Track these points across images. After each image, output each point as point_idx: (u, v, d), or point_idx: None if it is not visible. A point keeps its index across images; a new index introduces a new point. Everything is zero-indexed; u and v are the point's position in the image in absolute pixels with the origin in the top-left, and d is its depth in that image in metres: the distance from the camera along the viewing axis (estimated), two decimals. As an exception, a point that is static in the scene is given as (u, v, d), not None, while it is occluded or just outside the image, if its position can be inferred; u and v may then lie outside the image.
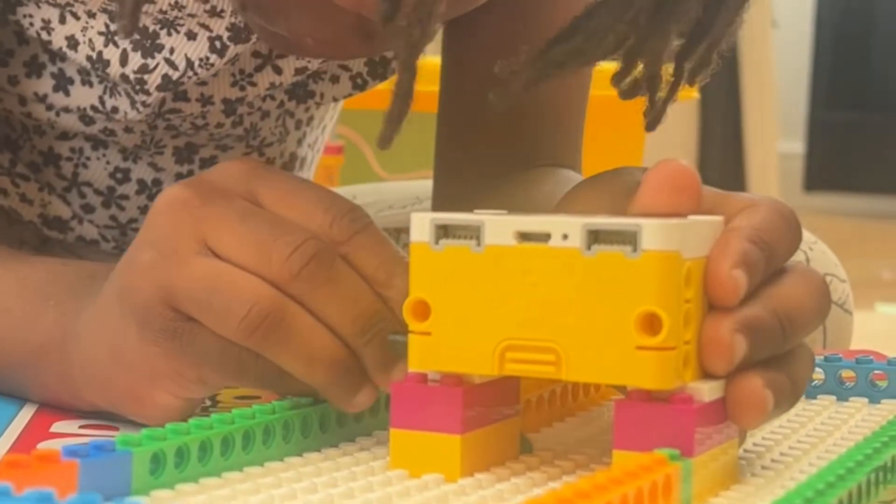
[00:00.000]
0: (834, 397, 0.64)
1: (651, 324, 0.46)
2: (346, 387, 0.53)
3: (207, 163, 0.84)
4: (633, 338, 0.46)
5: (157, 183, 0.84)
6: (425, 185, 0.97)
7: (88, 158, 0.83)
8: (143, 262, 0.55)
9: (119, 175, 0.83)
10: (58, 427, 0.60)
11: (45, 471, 0.41)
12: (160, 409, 0.56)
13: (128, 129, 0.80)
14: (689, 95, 1.39)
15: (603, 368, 0.47)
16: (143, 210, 0.85)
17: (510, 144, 0.87)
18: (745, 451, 0.53)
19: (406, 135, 1.05)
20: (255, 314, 0.52)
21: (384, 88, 0.86)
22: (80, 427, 0.60)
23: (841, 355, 0.65)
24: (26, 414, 0.62)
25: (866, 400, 0.64)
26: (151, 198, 0.84)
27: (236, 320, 0.52)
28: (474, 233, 0.48)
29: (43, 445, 0.57)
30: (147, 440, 0.45)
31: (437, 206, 0.90)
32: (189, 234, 0.54)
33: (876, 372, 0.64)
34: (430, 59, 0.92)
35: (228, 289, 0.53)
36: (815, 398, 0.64)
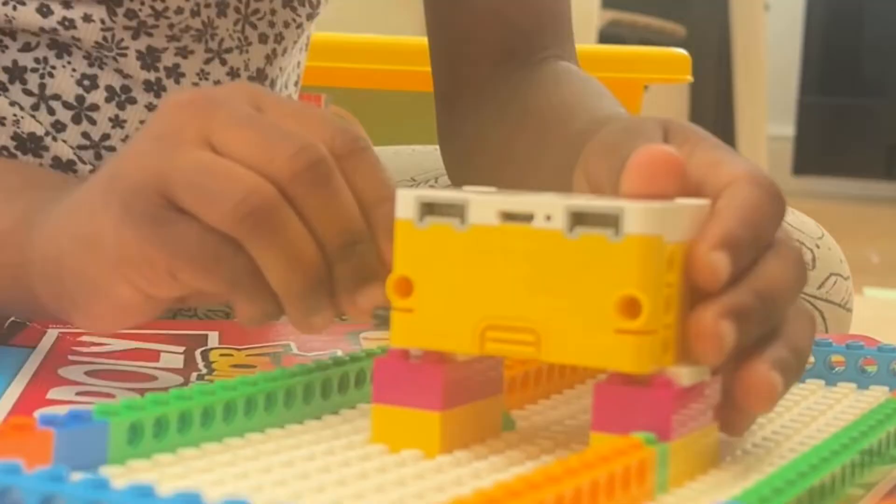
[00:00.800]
0: (822, 381, 0.64)
1: (631, 307, 0.46)
2: (312, 303, 0.54)
3: (172, 72, 0.83)
4: (612, 321, 0.46)
5: (126, 90, 0.83)
6: (424, 158, 0.95)
7: (54, 67, 0.82)
8: (141, 149, 0.55)
9: (86, 82, 0.83)
10: (54, 394, 0.60)
11: (19, 440, 0.41)
12: (117, 307, 0.56)
13: (86, 18, 0.79)
14: (682, 78, 1.38)
15: (582, 351, 0.47)
16: (115, 122, 0.84)
17: (505, 45, 0.87)
18: (724, 436, 0.53)
19: (399, 113, 1.04)
20: (250, 202, 0.53)
21: (377, 69, 0.86)
22: (77, 394, 0.60)
23: (831, 340, 0.65)
24: (21, 381, 0.62)
25: (854, 385, 0.64)
26: (121, 106, 0.84)
27: (229, 204, 0.53)
28: (459, 211, 0.49)
29: (41, 412, 0.57)
30: (125, 410, 0.45)
31: (443, 125, 0.89)
32: (193, 129, 0.55)
33: (866, 358, 0.64)
34: (422, 40, 0.92)
35: (226, 175, 0.53)
36: (803, 382, 0.64)
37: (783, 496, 0.42)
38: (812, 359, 0.64)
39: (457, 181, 0.92)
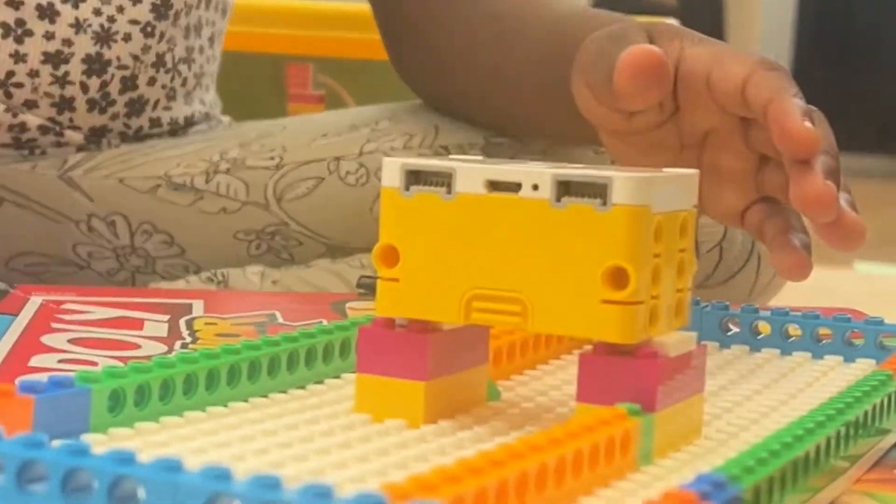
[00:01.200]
0: (809, 354, 0.64)
1: (618, 278, 0.46)
2: None
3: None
4: (599, 291, 0.46)
5: (21, 23, 0.84)
6: (360, 112, 0.97)
7: None
8: None
9: None
10: (36, 361, 0.60)
11: (-1, 406, 0.41)
12: None
13: None
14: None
15: (569, 321, 0.47)
16: (16, 57, 0.85)
17: None
18: (712, 406, 0.53)
19: (387, 82, 1.04)
20: None
21: (364, 38, 0.86)
22: (60, 362, 0.60)
23: (818, 313, 0.65)
24: (3, 348, 0.62)
25: (841, 358, 0.63)
26: (19, 40, 0.85)
27: None
28: (445, 180, 0.48)
29: (21, 379, 0.57)
30: (107, 377, 0.45)
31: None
32: None
33: (853, 331, 0.64)
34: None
35: None
36: (790, 354, 0.64)
37: (767, 467, 0.42)
38: (799, 331, 0.64)
39: (423, 96, 0.94)
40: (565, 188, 0.47)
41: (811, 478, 0.45)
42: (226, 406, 0.49)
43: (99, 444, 0.43)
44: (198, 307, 0.72)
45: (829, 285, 0.89)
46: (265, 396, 0.51)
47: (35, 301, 0.71)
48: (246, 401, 0.50)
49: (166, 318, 0.69)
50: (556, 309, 0.47)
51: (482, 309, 0.48)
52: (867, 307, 0.74)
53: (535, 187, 0.47)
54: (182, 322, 0.69)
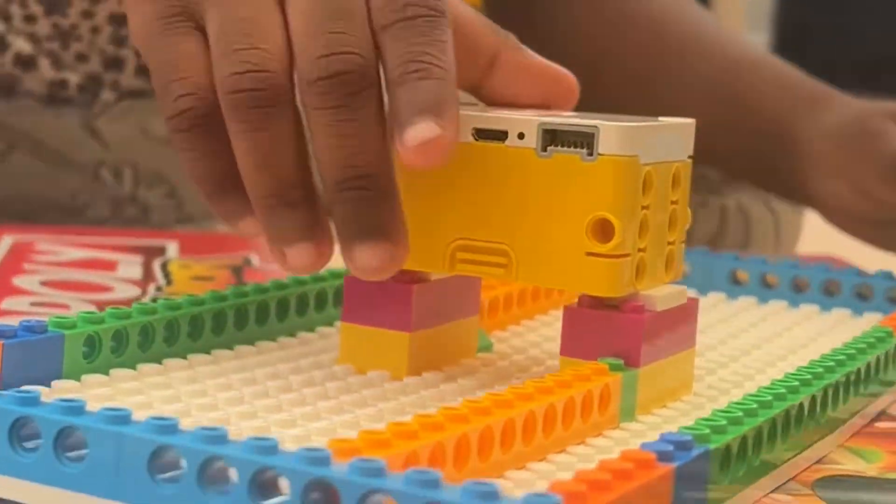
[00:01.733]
0: (786, 303, 0.63)
1: (604, 230, 0.45)
2: (227, 215, 0.46)
3: None
4: (584, 244, 0.45)
5: None
6: None
7: None
8: None
9: None
10: (8, 304, 0.59)
11: (-36, 352, 0.41)
12: None
13: None
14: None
15: (554, 273, 0.46)
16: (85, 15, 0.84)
17: None
18: (707, 360, 0.52)
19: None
20: (183, 105, 0.45)
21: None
22: (32, 305, 0.59)
23: (831, 265, 0.64)
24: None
25: (850, 311, 0.62)
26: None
27: (169, 101, 0.46)
28: (431, 127, 0.47)
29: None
30: (82, 322, 0.45)
31: None
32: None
33: (865, 284, 0.63)
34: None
35: (181, 69, 0.46)
36: (797, 307, 0.63)
37: (741, 426, 0.41)
38: (778, 279, 0.64)
39: None
40: (552, 137, 0.46)
41: (791, 438, 0.44)
42: (209, 354, 0.49)
43: (71, 391, 0.43)
44: (172, 249, 0.71)
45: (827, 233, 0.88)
46: (252, 345, 0.51)
47: (6, 242, 0.70)
48: (231, 349, 0.50)
49: (140, 259, 0.68)
50: (541, 261, 0.46)
51: (467, 260, 0.47)
52: (850, 254, 0.75)
53: (521, 136, 0.46)
54: (156, 264, 0.68)
